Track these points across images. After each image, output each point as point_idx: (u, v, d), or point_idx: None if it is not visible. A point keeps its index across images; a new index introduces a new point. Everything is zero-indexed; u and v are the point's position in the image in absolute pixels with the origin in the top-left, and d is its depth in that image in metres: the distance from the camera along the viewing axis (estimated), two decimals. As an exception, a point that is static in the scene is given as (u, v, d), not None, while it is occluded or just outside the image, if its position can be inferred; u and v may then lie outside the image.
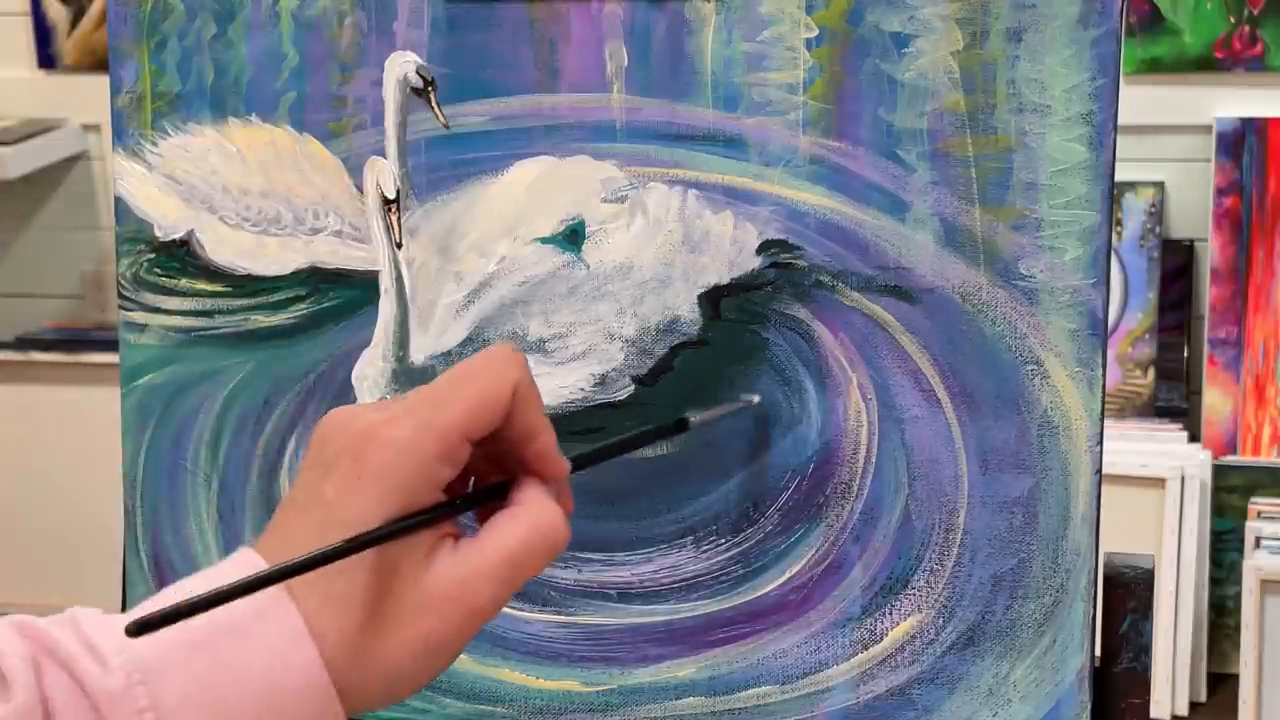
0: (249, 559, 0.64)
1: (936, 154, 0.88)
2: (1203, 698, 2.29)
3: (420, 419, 0.64)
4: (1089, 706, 0.88)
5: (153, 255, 1.00)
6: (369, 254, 0.96)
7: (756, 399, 0.90)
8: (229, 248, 0.99)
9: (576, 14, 0.92)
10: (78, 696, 0.60)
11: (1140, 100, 2.31)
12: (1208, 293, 2.39)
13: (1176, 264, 2.43)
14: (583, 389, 0.93)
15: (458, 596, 0.64)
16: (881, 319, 0.89)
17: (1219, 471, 2.33)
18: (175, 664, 0.61)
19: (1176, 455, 2.31)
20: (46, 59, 2.84)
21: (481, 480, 0.70)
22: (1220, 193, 2.38)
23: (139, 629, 0.59)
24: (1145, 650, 0.89)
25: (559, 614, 0.95)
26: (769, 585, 0.92)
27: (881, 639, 0.90)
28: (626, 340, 0.93)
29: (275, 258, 0.98)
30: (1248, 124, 2.37)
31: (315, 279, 0.98)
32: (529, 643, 0.95)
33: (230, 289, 0.99)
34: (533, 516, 0.67)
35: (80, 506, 2.73)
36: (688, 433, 0.83)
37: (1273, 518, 2.26)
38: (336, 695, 0.62)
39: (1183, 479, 2.26)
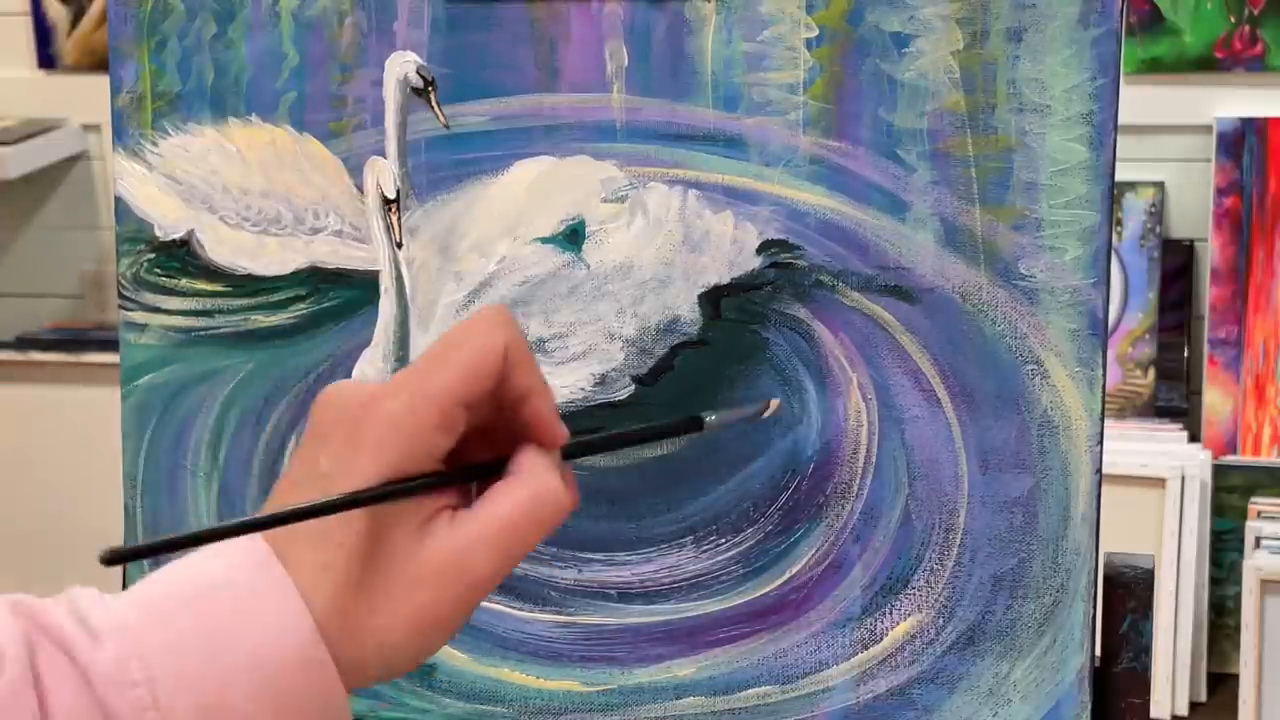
0: (245, 539, 0.64)
1: (936, 154, 0.88)
2: (1203, 698, 2.29)
3: (414, 389, 0.63)
4: (1089, 706, 0.88)
5: (153, 255, 1.00)
6: (369, 254, 0.96)
7: (775, 402, 0.89)
8: (229, 248, 0.99)
9: (576, 14, 0.92)
10: (70, 672, 0.59)
11: (1140, 100, 2.30)
12: (1208, 293, 2.39)
13: (1176, 264, 2.43)
14: (583, 389, 0.93)
15: (454, 568, 0.63)
16: (881, 319, 0.89)
17: (1219, 471, 2.32)
18: (168, 636, 0.60)
19: (1176, 455, 2.31)
20: (46, 59, 2.84)
21: (478, 453, 0.68)
22: (1220, 193, 2.38)
23: (111, 558, 0.59)
24: (1145, 650, 0.89)
25: (559, 614, 0.95)
26: (769, 585, 0.92)
27: (881, 639, 0.90)
28: (627, 340, 0.93)
29: (275, 258, 0.98)
30: (1248, 124, 2.37)
31: (315, 279, 0.98)
32: (529, 643, 0.95)
33: (230, 289, 0.99)
34: (531, 482, 0.65)
35: (80, 506, 2.72)
36: (692, 434, 0.81)
37: (1273, 518, 2.26)
38: (331, 664, 0.61)
39: (1183, 479, 2.26)
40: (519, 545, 0.64)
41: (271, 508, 0.64)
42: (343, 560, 0.62)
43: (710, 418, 0.71)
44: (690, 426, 0.74)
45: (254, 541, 0.63)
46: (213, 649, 0.60)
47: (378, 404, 0.63)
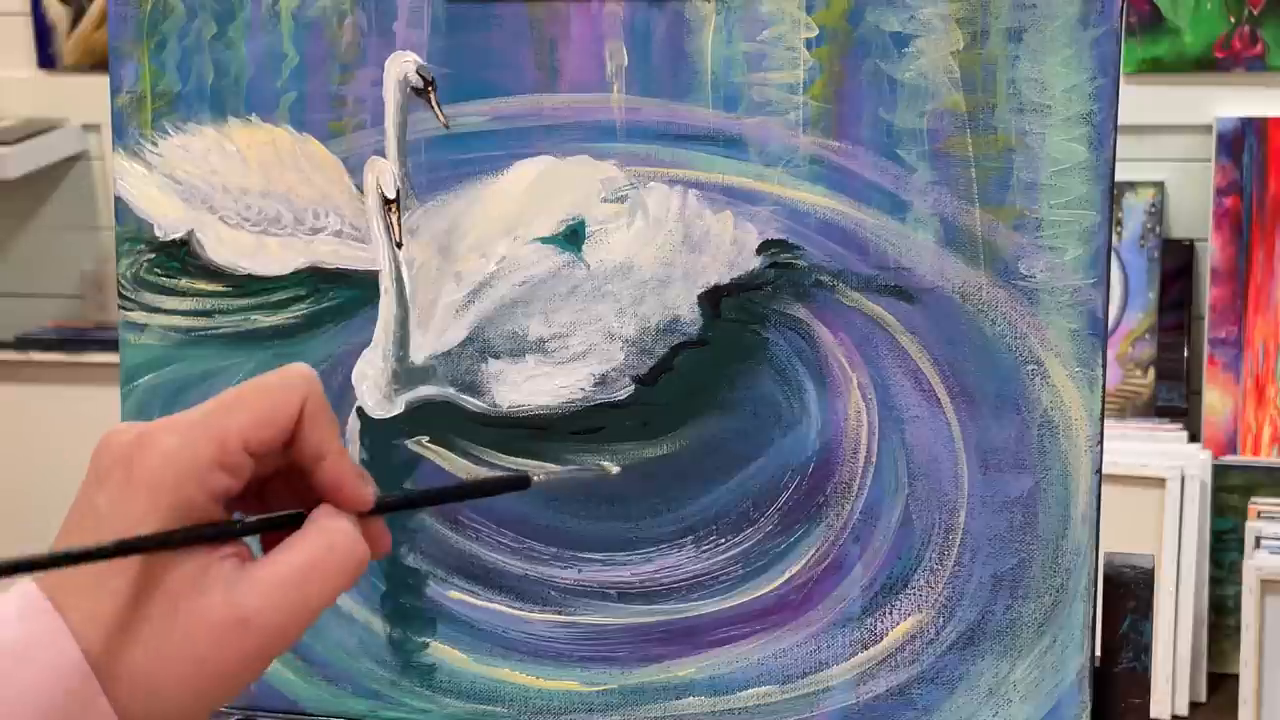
0: (21, 585, 0.61)
1: (936, 154, 0.88)
2: (1203, 698, 2.28)
3: (195, 424, 0.61)
4: (1089, 706, 0.88)
5: (153, 255, 1.00)
6: (369, 254, 0.96)
7: (615, 470, 0.87)
8: (229, 248, 0.99)
9: (576, 14, 0.92)
10: None
11: (1140, 100, 2.30)
12: (1208, 293, 2.39)
13: (1176, 264, 2.43)
14: (583, 389, 0.93)
15: (236, 622, 0.60)
16: (881, 319, 0.89)
17: (1219, 471, 2.32)
18: None
19: (1176, 455, 2.31)
20: (46, 59, 2.84)
21: (280, 508, 0.65)
22: (1220, 193, 2.38)
23: None
24: (1145, 650, 0.89)
25: (559, 614, 0.95)
26: (769, 585, 0.92)
27: (881, 639, 0.90)
28: (627, 340, 0.93)
29: (275, 258, 0.98)
30: (1248, 124, 2.37)
31: (315, 279, 0.98)
32: (529, 643, 0.95)
33: (230, 289, 0.99)
34: (322, 534, 0.61)
35: (80, 506, 2.72)
36: (530, 489, 0.72)
37: (1273, 518, 2.26)
38: (109, 706, 0.59)
39: (1183, 479, 2.26)
40: (307, 600, 0.61)
41: (53, 549, 0.61)
42: (115, 607, 0.59)
43: (539, 476, 0.68)
44: (516, 484, 0.69)
45: (28, 587, 0.60)
46: None
47: (154, 438, 0.60)
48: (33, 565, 0.58)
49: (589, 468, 0.78)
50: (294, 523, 0.62)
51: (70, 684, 0.59)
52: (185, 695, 0.60)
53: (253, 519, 0.62)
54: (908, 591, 0.90)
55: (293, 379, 0.63)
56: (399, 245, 0.95)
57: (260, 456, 0.62)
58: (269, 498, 0.64)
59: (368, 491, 0.63)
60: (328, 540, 0.62)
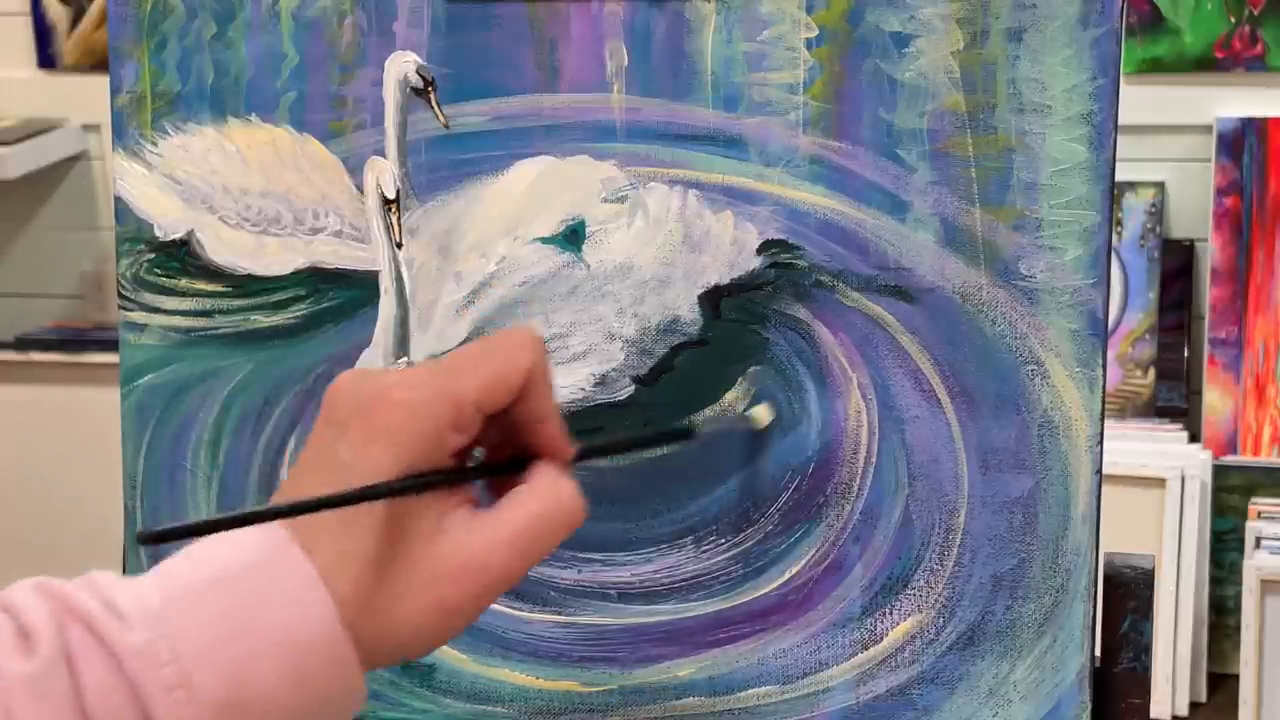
0: (266, 525, 0.65)
1: (936, 154, 0.88)
2: (1203, 698, 2.29)
3: (434, 385, 0.65)
4: (1089, 706, 0.88)
5: (153, 255, 1.00)
6: (369, 254, 0.96)
7: (770, 419, 0.90)
8: (229, 248, 0.99)
9: (576, 13, 0.92)
10: (101, 652, 0.61)
11: (1140, 100, 2.30)
12: (1208, 293, 2.39)
13: (1176, 264, 2.43)
14: (583, 389, 0.93)
15: (476, 565, 0.65)
16: (881, 319, 0.89)
17: (1219, 471, 2.32)
18: (195, 618, 0.62)
19: (1176, 455, 2.31)
20: (46, 59, 2.84)
21: (491, 456, 0.70)
22: (1220, 193, 2.38)
23: (146, 539, 0.62)
24: (1145, 650, 0.89)
25: (559, 614, 0.95)
26: (769, 585, 0.92)
27: (881, 639, 0.90)
28: (627, 340, 0.93)
29: (275, 258, 0.98)
30: (1248, 124, 2.37)
31: (315, 279, 0.98)
32: (529, 643, 0.95)
33: (230, 289, 0.99)
34: (552, 489, 0.67)
35: (80, 506, 2.72)
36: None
37: (1273, 518, 2.26)
38: (352, 645, 0.63)
39: (1183, 479, 2.26)
40: (537, 549, 0.67)
41: (287, 491, 0.65)
42: (363, 547, 0.63)
43: (703, 427, 0.75)
44: (684, 435, 0.78)
45: (272, 528, 0.64)
46: (237, 630, 0.62)
47: (394, 394, 0.64)
48: (290, 510, 0.63)
49: (745, 417, 0.85)
50: (517, 468, 0.68)
51: (316, 622, 0.62)
52: (423, 632, 0.65)
53: (478, 465, 0.68)
54: (908, 592, 0.90)
55: (522, 345, 0.67)
56: (399, 245, 0.95)
57: (489, 416, 0.67)
58: (479, 441, 0.69)
59: (572, 448, 0.70)
60: (555, 495, 0.67)
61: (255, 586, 0.62)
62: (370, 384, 0.66)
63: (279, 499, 0.66)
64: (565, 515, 0.68)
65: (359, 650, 0.63)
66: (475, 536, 0.65)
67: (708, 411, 0.90)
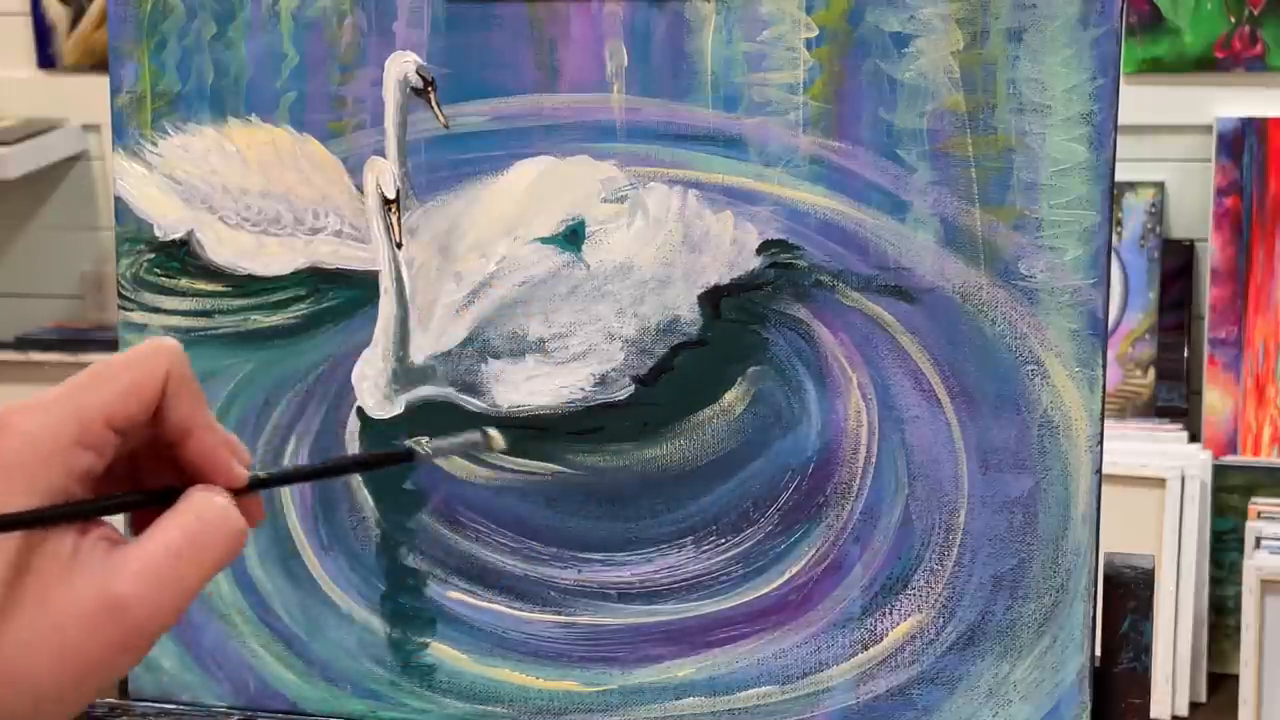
0: None
1: (936, 154, 0.88)
2: (1203, 698, 2.28)
3: (54, 403, 0.58)
4: (1089, 707, 0.88)
5: (153, 255, 1.00)
6: (369, 254, 0.96)
7: (500, 443, 0.79)
8: (229, 248, 0.99)
9: (576, 13, 0.92)
10: None
11: (1140, 100, 2.30)
12: (1208, 293, 2.39)
13: (1176, 264, 2.43)
14: (583, 389, 0.93)
15: (108, 607, 0.57)
16: (881, 319, 0.89)
17: (1219, 471, 2.32)
18: None
19: (1176, 455, 2.31)
20: (46, 59, 2.84)
21: (148, 484, 0.62)
22: (1220, 193, 2.38)
23: None
24: (1145, 650, 0.89)
25: (559, 614, 0.95)
26: (769, 585, 0.92)
27: (881, 639, 0.90)
28: (626, 340, 0.93)
29: (275, 258, 0.98)
30: (1248, 124, 2.37)
31: (315, 279, 0.98)
32: (529, 643, 0.95)
33: (230, 289, 0.99)
34: (195, 510, 0.59)
35: (80, 506, 2.72)
36: (417, 462, 0.73)
37: (1273, 518, 2.26)
38: None
39: (1183, 479, 2.26)
40: (186, 579, 0.58)
41: None
42: None
43: (425, 448, 0.65)
44: (400, 458, 0.67)
45: None
46: None
47: (12, 420, 0.58)
48: None
49: (475, 436, 0.72)
50: (166, 500, 0.60)
51: None
52: (56, 686, 0.57)
53: (119, 496, 0.60)
54: (908, 592, 0.90)
55: (155, 352, 0.60)
56: (399, 245, 0.95)
57: (125, 433, 0.59)
58: (142, 477, 0.61)
59: (239, 468, 0.61)
60: (199, 517, 0.59)
61: None
62: None
63: None
64: (215, 537, 0.59)
65: None
66: (108, 574, 0.57)
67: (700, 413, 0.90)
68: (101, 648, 0.57)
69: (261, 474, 0.62)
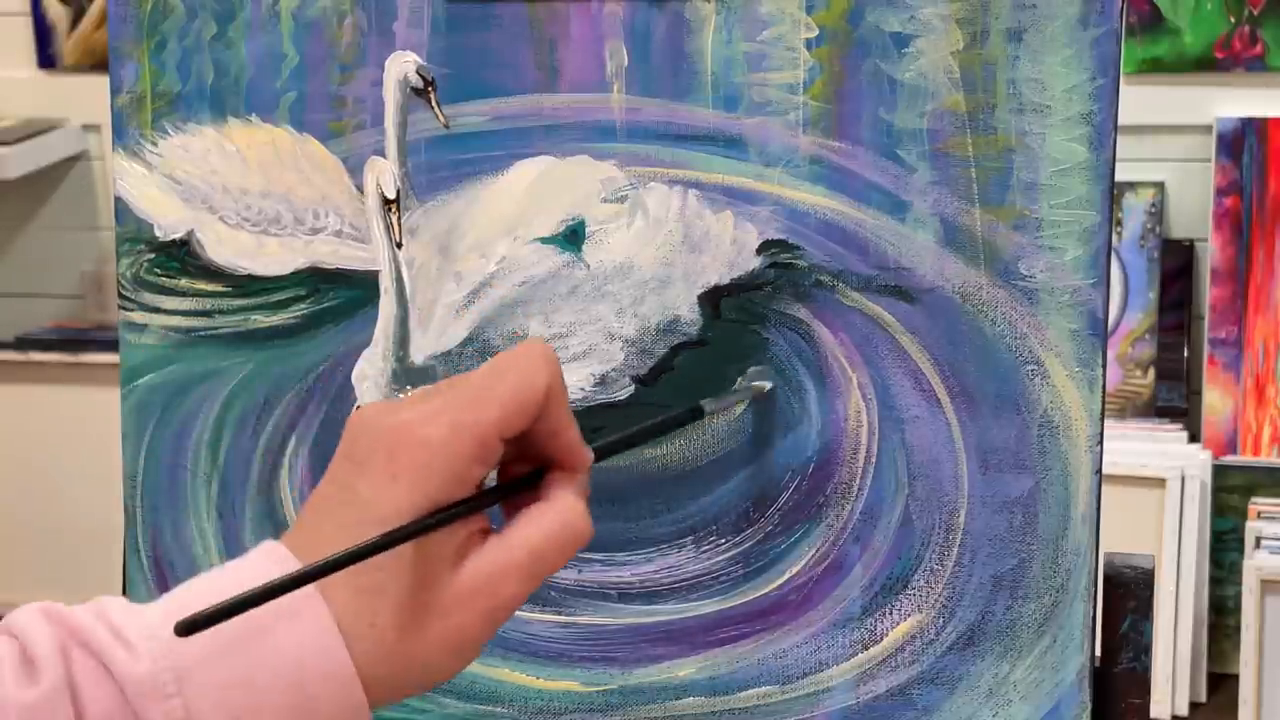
0: (279, 554, 0.64)
1: (936, 154, 0.88)
2: (1203, 698, 2.29)
3: (455, 419, 0.64)
4: (1089, 707, 0.88)
5: (153, 255, 1.00)
6: (369, 254, 0.96)
7: (769, 386, 0.90)
8: (229, 248, 0.99)
9: (576, 13, 0.92)
10: (105, 682, 0.60)
11: (1140, 100, 2.30)
12: (1208, 293, 2.39)
13: (1176, 264, 2.43)
14: (583, 389, 0.93)
15: (486, 592, 0.64)
16: (881, 319, 0.89)
17: (1219, 471, 2.33)
18: (203, 652, 0.61)
19: (1176, 455, 2.31)
20: (46, 59, 2.84)
21: (505, 467, 0.69)
22: (1220, 193, 2.38)
23: (187, 629, 0.59)
24: (1145, 650, 0.89)
25: (559, 614, 0.95)
26: (769, 585, 0.92)
27: (881, 639, 0.90)
28: (627, 340, 0.93)
29: (275, 258, 0.98)
30: (1248, 124, 2.38)
31: (315, 279, 0.98)
32: (529, 643, 0.95)
33: (230, 289, 0.99)
34: (558, 512, 0.67)
35: (80, 506, 2.73)
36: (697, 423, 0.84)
37: (1273, 518, 2.26)
38: (363, 691, 0.63)
39: (1183, 479, 2.26)
40: (545, 570, 0.66)
41: (306, 528, 0.65)
42: (382, 586, 0.63)
43: (709, 405, 0.74)
44: (692, 416, 0.78)
45: (288, 561, 0.63)
46: (246, 664, 0.61)
47: (416, 431, 0.64)
48: (321, 571, 0.62)
49: (749, 388, 0.86)
50: (532, 483, 0.68)
51: (327, 665, 0.62)
52: (445, 663, 0.65)
53: (492, 490, 0.67)
54: (908, 592, 0.90)
55: (539, 364, 0.66)
56: (399, 245, 0.95)
57: (509, 441, 0.66)
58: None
59: (590, 453, 0.69)
60: (565, 517, 0.66)
61: (265, 620, 0.61)
62: (392, 418, 0.64)
63: (296, 532, 0.65)
64: (573, 536, 0.67)
65: (375, 689, 0.63)
66: (487, 565, 0.65)
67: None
68: (477, 627, 0.65)
69: (606, 442, 0.71)
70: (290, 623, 0.62)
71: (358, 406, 0.97)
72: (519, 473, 0.69)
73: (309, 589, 0.62)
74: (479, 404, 0.65)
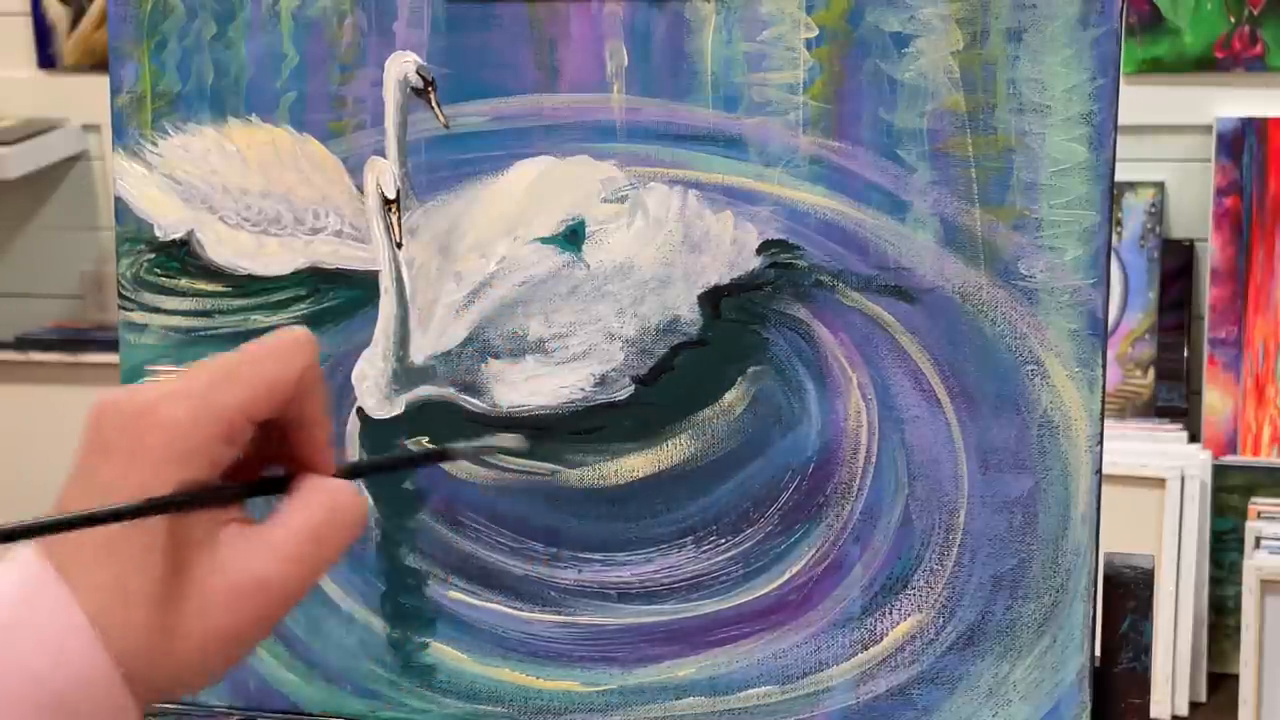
0: (24, 553, 0.61)
1: (936, 154, 0.88)
2: (1203, 698, 2.29)
3: (200, 398, 0.60)
4: (1089, 706, 0.88)
5: (153, 255, 1.00)
6: (369, 254, 0.96)
7: (524, 446, 0.85)
8: (229, 248, 0.99)
9: (576, 13, 0.92)
10: None
11: (1140, 100, 2.30)
12: (1208, 293, 2.39)
13: (1176, 264, 2.43)
14: (583, 389, 0.93)
15: (252, 586, 0.60)
16: (881, 319, 0.89)
17: (1219, 471, 2.32)
18: None
19: (1176, 455, 2.31)
20: (46, 59, 2.84)
21: (254, 467, 0.65)
22: (1220, 193, 2.38)
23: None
24: (1145, 650, 0.89)
25: (559, 614, 0.95)
26: (769, 585, 0.92)
27: (881, 639, 0.90)
28: (626, 340, 0.93)
29: (275, 258, 0.98)
30: (1248, 124, 2.37)
31: (315, 279, 0.98)
32: (529, 643, 0.95)
33: (230, 289, 0.99)
34: (325, 493, 0.63)
35: (80, 506, 2.72)
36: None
37: (1273, 518, 2.26)
38: (126, 686, 0.59)
39: (1183, 479, 2.26)
40: (319, 560, 0.62)
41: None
42: (130, 578, 0.59)
43: (458, 446, 0.69)
44: (439, 456, 0.74)
45: (29, 561, 0.60)
46: None
47: (159, 411, 0.60)
48: (39, 529, 0.58)
49: (506, 439, 0.79)
50: (280, 486, 0.63)
51: (75, 651, 0.58)
52: (208, 660, 0.60)
53: (244, 483, 0.63)
54: (908, 592, 0.90)
55: (295, 348, 0.63)
56: (399, 245, 0.95)
57: (258, 426, 0.62)
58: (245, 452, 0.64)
59: (333, 463, 0.64)
60: (332, 500, 0.62)
61: (10, 621, 0.57)
62: (133, 402, 0.60)
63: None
64: (346, 518, 0.62)
65: (132, 685, 0.58)
66: (249, 555, 0.61)
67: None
68: (244, 624, 0.60)
69: (347, 465, 0.66)
70: (33, 620, 0.58)
71: (358, 408, 0.97)
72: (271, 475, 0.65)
73: (55, 589, 0.58)
74: (228, 382, 0.61)
